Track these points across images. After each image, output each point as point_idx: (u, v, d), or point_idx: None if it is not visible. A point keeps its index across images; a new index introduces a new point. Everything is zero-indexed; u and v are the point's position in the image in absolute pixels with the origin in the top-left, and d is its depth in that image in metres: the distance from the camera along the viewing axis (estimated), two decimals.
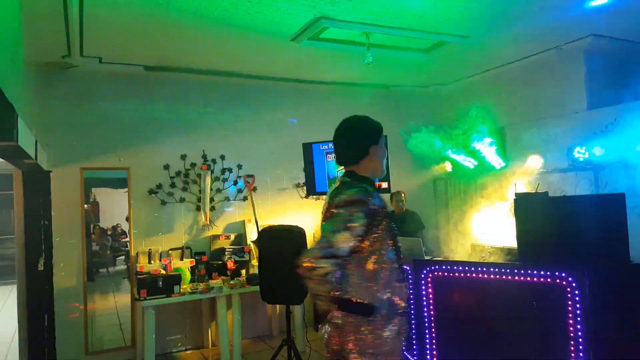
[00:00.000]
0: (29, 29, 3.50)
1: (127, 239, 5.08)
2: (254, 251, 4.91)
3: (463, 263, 3.49)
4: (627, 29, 4.19)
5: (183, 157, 4.99)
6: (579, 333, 2.93)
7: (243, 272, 4.89)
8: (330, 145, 4.53)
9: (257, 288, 4.19)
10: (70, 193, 4.57)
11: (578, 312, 2.94)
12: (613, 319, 2.96)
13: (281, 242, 3.95)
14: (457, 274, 3.45)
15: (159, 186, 4.86)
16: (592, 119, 4.29)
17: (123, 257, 10.51)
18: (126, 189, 4.87)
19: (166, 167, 4.91)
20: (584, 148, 4.18)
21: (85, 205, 4.88)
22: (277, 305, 5.15)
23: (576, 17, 3.83)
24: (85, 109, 4.64)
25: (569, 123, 4.44)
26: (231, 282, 4.56)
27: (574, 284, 2.97)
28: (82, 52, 4.22)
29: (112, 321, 6.25)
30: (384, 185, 4.40)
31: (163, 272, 4.42)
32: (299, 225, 4.14)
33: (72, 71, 4.54)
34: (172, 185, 4.92)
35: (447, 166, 5.35)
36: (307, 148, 4.58)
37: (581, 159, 4.18)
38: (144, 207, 4.84)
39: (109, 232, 10.40)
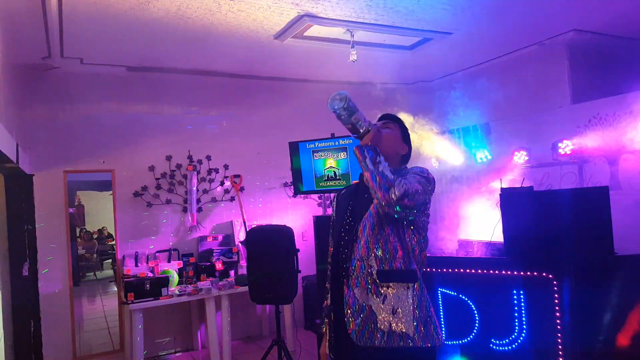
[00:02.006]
0: (7, 30, 3.43)
1: (114, 242, 5.02)
2: (243, 251, 4.89)
3: (450, 259, 3.51)
4: (609, 24, 4.23)
5: (168, 158, 4.94)
6: (566, 326, 2.96)
7: (232, 272, 4.86)
8: (317, 143, 4.53)
9: (246, 288, 4.17)
10: (53, 197, 4.50)
11: (564, 304, 2.98)
12: (598, 311, 3.00)
13: (270, 241, 3.93)
14: (444, 269, 3.47)
15: (145, 188, 4.81)
16: (576, 113, 4.33)
17: (110, 260, 10.39)
18: (111, 192, 4.81)
19: (151, 168, 4.85)
20: (568, 142, 4.21)
21: (70, 209, 4.81)
22: (267, 306, 5.13)
23: (558, 12, 3.86)
24: (67, 111, 4.56)
25: (553, 117, 4.48)
26: (220, 283, 4.53)
27: (560, 278, 3.00)
28: (63, 54, 4.16)
29: (100, 325, 6.19)
30: None
31: (150, 274, 4.38)
32: (287, 225, 4.13)
33: (53, 73, 4.46)
34: (158, 187, 4.87)
35: (434, 162, 5.36)
36: (294, 147, 4.56)
37: (565, 153, 4.22)
38: (129, 209, 4.77)
39: (95, 235, 10.29)
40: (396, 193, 1.72)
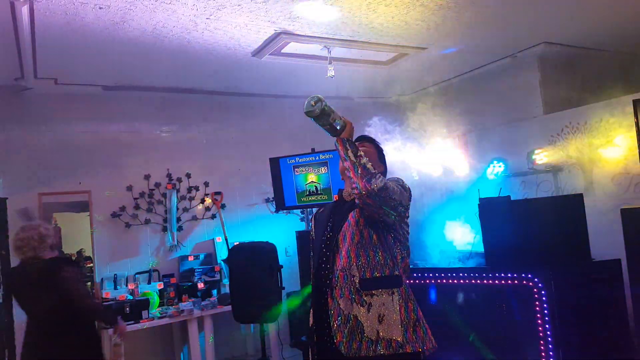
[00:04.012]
0: None
1: (92, 265, 4.90)
2: (225, 270, 4.82)
3: (432, 270, 3.53)
4: (577, 36, 4.38)
5: (147, 177, 4.87)
6: (548, 332, 3.00)
7: (214, 292, 4.78)
8: (298, 159, 4.53)
9: (229, 308, 4.11)
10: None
11: (545, 312, 3.01)
12: (578, 317, 3.04)
13: (252, 259, 3.90)
14: (427, 280, 3.48)
15: (123, 208, 4.73)
16: (549, 123, 4.45)
17: (89, 283, 10.09)
18: (89, 213, 4.71)
19: (129, 188, 4.78)
20: (542, 151, 4.31)
21: None
22: (251, 324, 5.05)
23: (528, 26, 3.98)
24: (42, 133, 4.48)
25: (527, 128, 4.59)
26: (202, 303, 4.45)
27: (540, 285, 3.04)
28: (36, 74, 4.09)
29: None
30: None
31: (130, 297, 4.28)
32: (270, 241, 4.10)
33: (26, 94, 4.38)
34: (137, 207, 4.79)
35: (414, 174, 5.42)
36: (274, 163, 4.56)
37: (540, 162, 4.32)
38: (107, 231, 4.68)
39: (74, 258, 10.01)
40: (377, 184, 1.78)
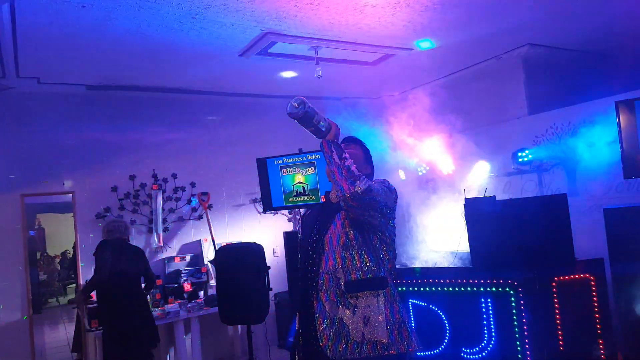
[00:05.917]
0: None
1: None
2: (212, 271, 4.79)
3: (419, 269, 3.56)
4: (560, 39, 4.44)
5: (132, 177, 4.82)
6: (532, 330, 3.03)
7: (201, 293, 4.75)
8: (285, 159, 4.52)
9: (216, 309, 4.08)
10: (10, 221, 4.31)
11: (529, 309, 3.05)
12: (562, 315, 3.08)
13: (239, 260, 3.87)
14: (414, 280, 3.50)
15: (107, 209, 4.67)
16: (533, 123, 4.50)
17: (74, 285, 9.95)
18: (73, 214, 4.64)
19: (114, 189, 4.72)
20: (527, 152, 4.36)
21: (31, 232, 4.63)
22: (239, 326, 5.03)
23: (513, 28, 4.02)
24: (24, 132, 4.41)
25: (512, 128, 4.64)
26: (188, 305, 4.41)
27: (524, 284, 3.07)
28: (19, 73, 4.03)
29: (64, 354, 5.91)
30: None
31: None
32: (258, 242, 4.08)
33: (8, 93, 4.31)
34: (121, 207, 4.73)
35: (401, 174, 5.44)
36: (262, 163, 4.54)
37: (525, 163, 4.36)
38: (92, 232, 4.62)
39: (58, 260, 9.85)
40: (361, 187, 1.77)
